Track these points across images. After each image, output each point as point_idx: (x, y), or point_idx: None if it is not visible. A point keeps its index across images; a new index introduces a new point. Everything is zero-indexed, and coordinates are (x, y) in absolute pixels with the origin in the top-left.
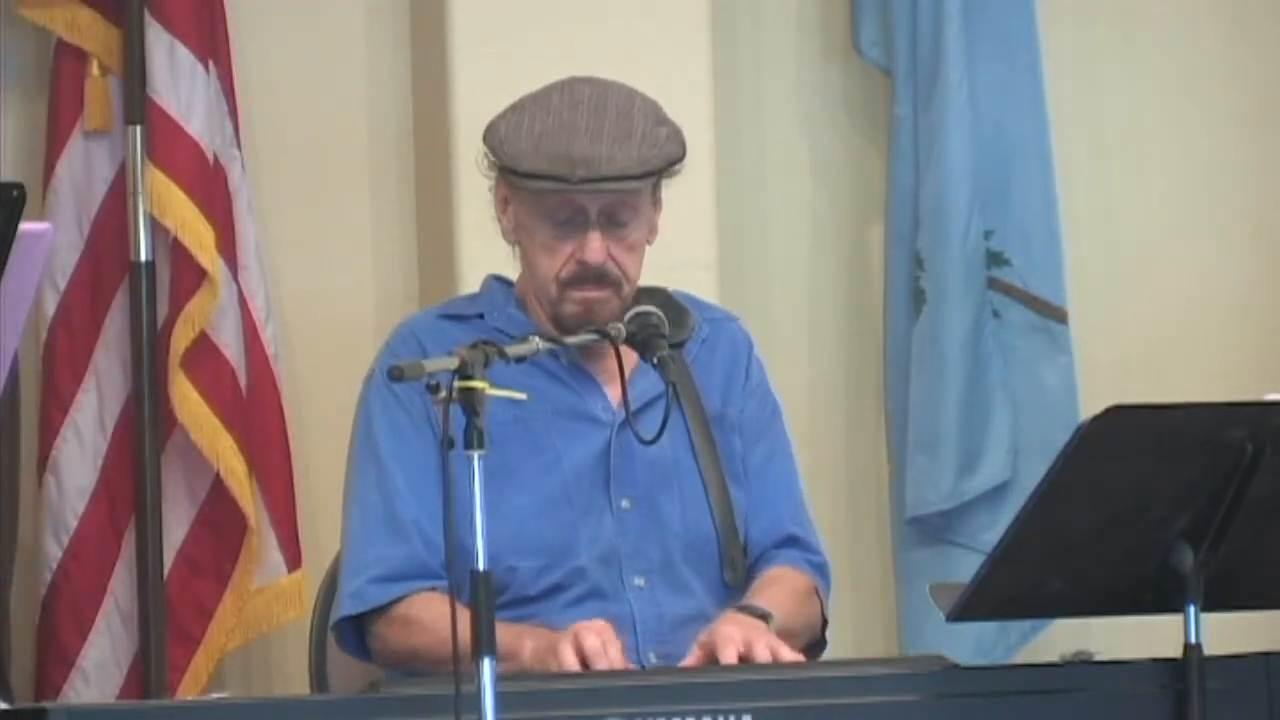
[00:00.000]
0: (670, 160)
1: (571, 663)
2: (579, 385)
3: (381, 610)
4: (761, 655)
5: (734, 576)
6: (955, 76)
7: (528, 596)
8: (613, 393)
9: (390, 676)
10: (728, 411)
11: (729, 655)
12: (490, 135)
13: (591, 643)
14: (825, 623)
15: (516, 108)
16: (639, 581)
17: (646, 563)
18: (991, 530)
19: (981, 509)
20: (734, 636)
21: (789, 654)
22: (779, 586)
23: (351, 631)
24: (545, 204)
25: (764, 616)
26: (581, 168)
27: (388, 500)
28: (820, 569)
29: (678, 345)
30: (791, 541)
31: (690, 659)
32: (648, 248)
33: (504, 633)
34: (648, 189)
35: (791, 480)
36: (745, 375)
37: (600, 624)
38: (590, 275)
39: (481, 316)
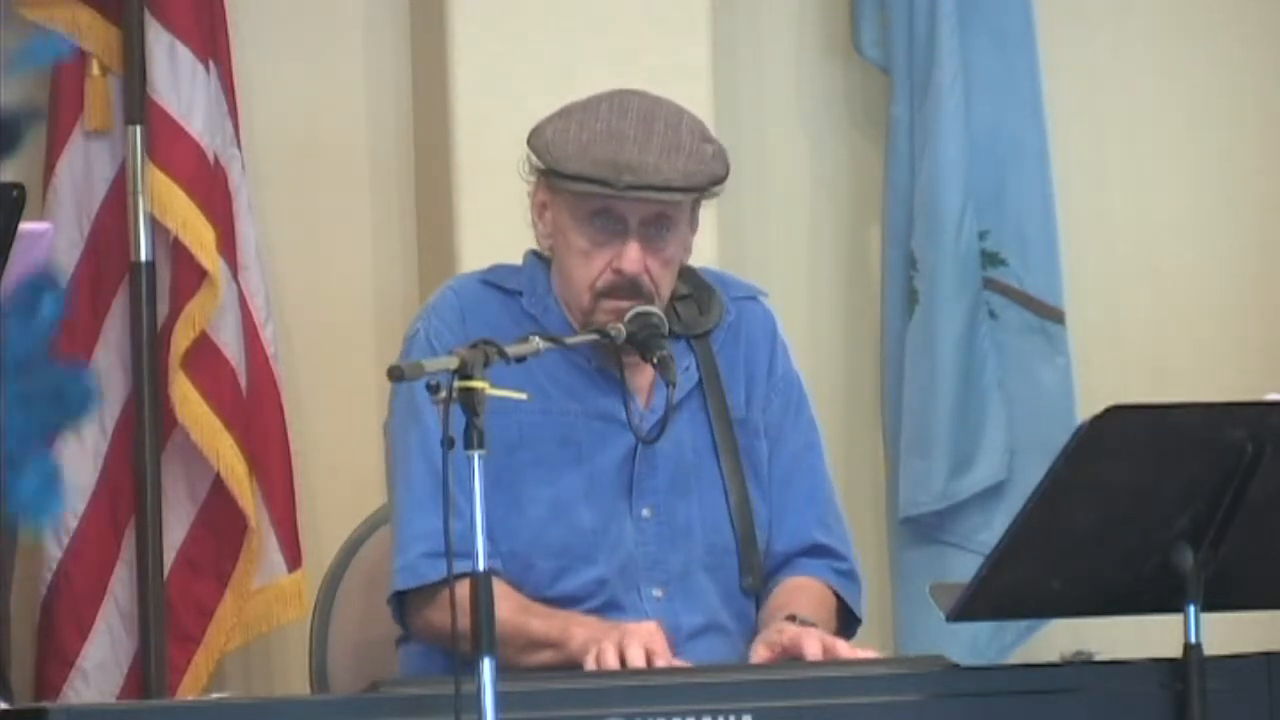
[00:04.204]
0: (714, 179)
1: (614, 666)
2: (611, 390)
3: (433, 587)
4: (844, 650)
5: (752, 583)
6: (949, 76)
7: (544, 599)
8: (643, 400)
9: (403, 669)
10: (752, 414)
11: (813, 648)
12: (536, 138)
13: (634, 654)
14: (859, 622)
15: (564, 114)
16: (657, 593)
17: (665, 574)
18: (987, 531)
19: (977, 509)
20: (812, 633)
21: (868, 654)
22: (804, 596)
23: (399, 607)
24: (585, 209)
25: (809, 625)
26: (627, 174)
27: (435, 471)
28: (848, 575)
29: (704, 335)
30: (818, 550)
31: (756, 660)
32: None
33: (553, 621)
34: (688, 205)
35: (819, 480)
36: (769, 365)
37: (650, 628)
38: (625, 286)
39: (520, 294)
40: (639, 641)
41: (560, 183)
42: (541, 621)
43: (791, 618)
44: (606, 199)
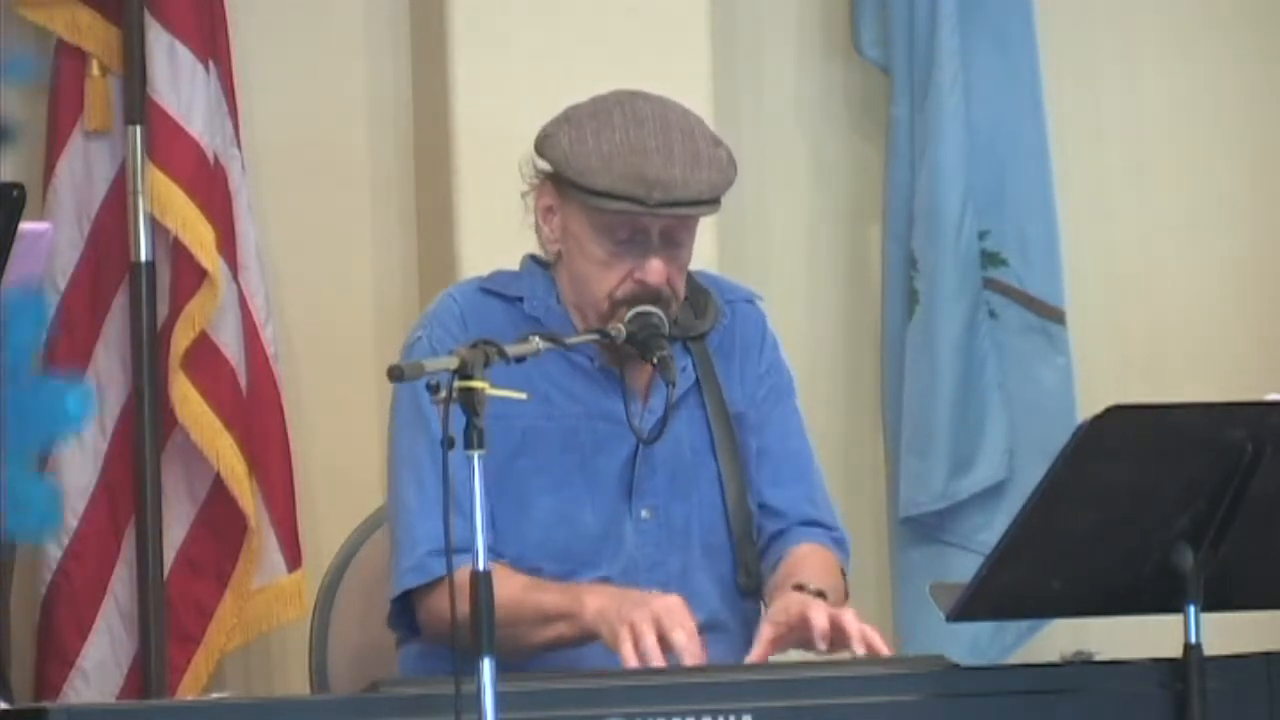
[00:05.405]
0: (730, 183)
1: (652, 650)
2: (613, 390)
3: (439, 581)
4: (851, 626)
5: (747, 581)
6: (949, 75)
7: None
8: (641, 401)
9: (403, 669)
10: (748, 412)
11: (819, 620)
12: (549, 147)
13: (679, 638)
14: (847, 596)
15: (573, 122)
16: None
17: (665, 574)
18: (987, 531)
19: (977, 509)
20: (820, 606)
21: (878, 639)
22: (813, 562)
23: (403, 608)
24: (607, 221)
25: (819, 594)
26: (658, 190)
27: (442, 470)
28: (841, 544)
29: (701, 337)
30: (811, 523)
31: (762, 647)
32: None
33: (564, 594)
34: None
35: (804, 462)
36: (758, 359)
37: (675, 604)
38: (646, 296)
39: (521, 300)
40: (679, 623)
41: (586, 197)
42: (552, 595)
43: (799, 586)
44: (635, 215)
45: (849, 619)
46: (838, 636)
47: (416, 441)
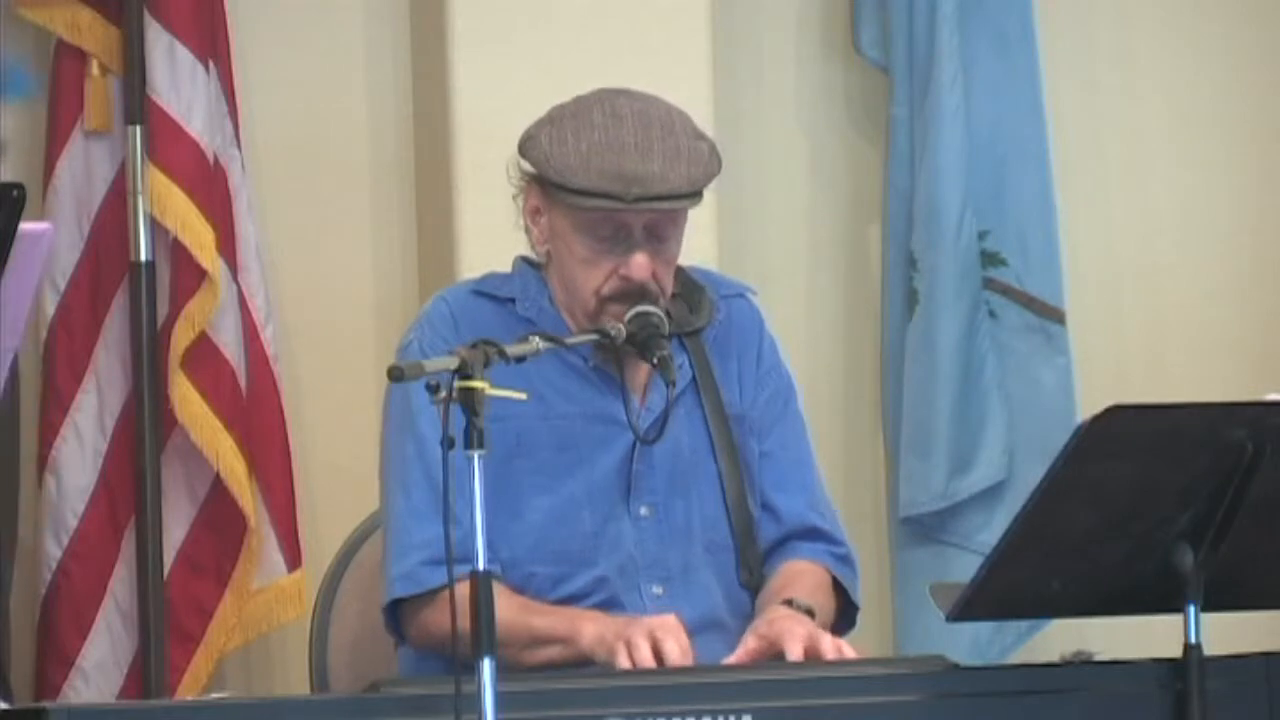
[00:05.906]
0: (712, 177)
1: (646, 659)
2: (609, 390)
3: (432, 593)
4: (828, 650)
5: (749, 578)
6: (949, 75)
7: (545, 603)
8: (639, 399)
9: (403, 669)
10: (745, 409)
11: (794, 649)
12: (531, 148)
13: (671, 649)
14: (856, 609)
15: (554, 121)
16: (657, 590)
17: (665, 571)
18: (987, 531)
19: (976, 509)
20: (797, 631)
21: (851, 652)
22: (804, 580)
23: (395, 614)
24: (589, 219)
25: (809, 612)
26: (635, 186)
27: (431, 479)
28: (845, 560)
29: (696, 333)
30: (814, 534)
31: (743, 651)
32: None
33: (558, 617)
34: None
35: (807, 469)
36: (757, 360)
37: (670, 622)
38: (633, 292)
39: (513, 301)
40: (672, 636)
41: (565, 196)
42: (545, 618)
43: (788, 602)
44: (615, 212)
45: (826, 646)
46: (813, 653)
47: (403, 446)
